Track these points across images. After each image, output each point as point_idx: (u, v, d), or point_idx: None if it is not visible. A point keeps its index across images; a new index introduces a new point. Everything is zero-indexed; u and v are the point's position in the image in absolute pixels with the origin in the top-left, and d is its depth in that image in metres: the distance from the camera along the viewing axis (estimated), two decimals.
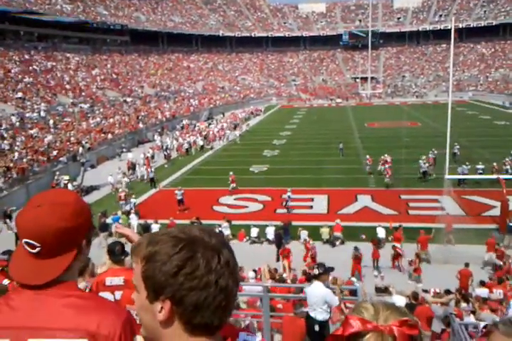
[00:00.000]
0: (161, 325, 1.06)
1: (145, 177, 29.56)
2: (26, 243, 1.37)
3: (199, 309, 1.04)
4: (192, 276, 1.03)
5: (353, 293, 9.10)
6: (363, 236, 17.99)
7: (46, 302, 1.37)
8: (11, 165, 27.08)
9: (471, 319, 9.83)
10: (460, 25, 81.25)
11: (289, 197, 22.84)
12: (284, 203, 22.76)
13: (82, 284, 4.84)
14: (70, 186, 26.85)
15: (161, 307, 1.05)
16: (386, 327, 0.90)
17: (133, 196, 24.15)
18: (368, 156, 29.30)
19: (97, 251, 14.25)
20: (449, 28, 26.38)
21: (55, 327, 1.33)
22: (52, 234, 1.37)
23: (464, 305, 11.15)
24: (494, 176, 21.45)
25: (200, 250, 1.06)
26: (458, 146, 29.94)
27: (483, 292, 12.05)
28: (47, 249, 1.39)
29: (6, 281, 3.82)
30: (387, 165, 26.82)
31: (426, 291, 12.05)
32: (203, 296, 1.04)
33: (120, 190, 25.59)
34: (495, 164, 26.13)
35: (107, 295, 4.41)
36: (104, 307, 1.39)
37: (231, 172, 26.63)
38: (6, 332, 1.32)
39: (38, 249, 1.38)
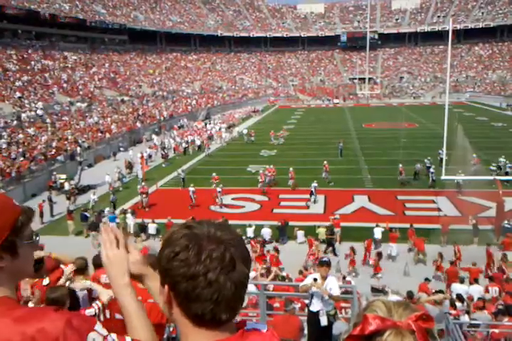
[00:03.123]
0: (166, 307, 1.15)
1: (140, 176, 29.51)
2: None
3: (190, 299, 1.09)
4: (182, 264, 1.08)
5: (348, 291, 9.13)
6: None
7: None
8: (8, 163, 27.07)
9: (465, 318, 9.89)
10: (458, 27, 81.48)
11: (315, 188, 23.61)
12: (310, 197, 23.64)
13: (82, 283, 4.85)
14: (66, 185, 26.86)
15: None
16: (404, 323, 0.92)
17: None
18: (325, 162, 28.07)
19: (93, 250, 14.29)
20: (447, 29, 26.43)
21: None
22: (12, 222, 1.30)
23: (458, 304, 11.20)
24: (491, 177, 21.51)
25: (196, 241, 1.10)
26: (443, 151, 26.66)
27: (461, 288, 12.22)
28: None
29: None
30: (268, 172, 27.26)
31: (441, 291, 12.04)
32: (191, 286, 1.07)
33: (141, 184, 25.52)
34: (400, 165, 26.54)
35: None
36: (42, 317, 1.25)
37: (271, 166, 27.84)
38: None
39: None
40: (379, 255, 16.74)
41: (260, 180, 26.15)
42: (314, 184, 23.89)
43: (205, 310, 1.08)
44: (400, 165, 26.46)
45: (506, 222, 18.84)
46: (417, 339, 0.91)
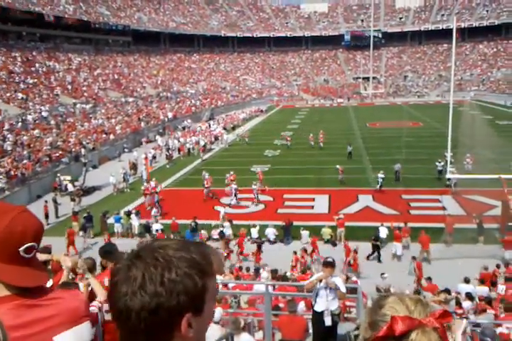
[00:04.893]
0: None
1: (144, 177, 29.54)
2: (29, 247, 1.33)
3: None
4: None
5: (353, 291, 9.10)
6: None
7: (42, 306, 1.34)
8: (14, 165, 27.18)
9: (473, 318, 9.82)
10: (462, 25, 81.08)
11: (382, 179, 24.48)
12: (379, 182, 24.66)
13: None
14: (70, 186, 26.95)
15: None
16: (429, 321, 0.92)
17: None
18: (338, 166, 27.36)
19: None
20: (451, 27, 26.32)
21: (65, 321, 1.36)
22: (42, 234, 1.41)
23: (467, 303, 11.11)
24: (495, 176, 21.34)
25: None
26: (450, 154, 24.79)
27: (467, 288, 12.11)
28: (35, 251, 1.38)
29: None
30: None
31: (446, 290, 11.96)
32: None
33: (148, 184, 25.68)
34: (337, 166, 27.01)
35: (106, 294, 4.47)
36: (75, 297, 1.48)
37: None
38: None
39: (34, 252, 1.36)
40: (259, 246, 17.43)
41: (206, 186, 25.09)
42: (381, 175, 24.59)
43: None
44: (337, 166, 26.88)
45: None
46: (440, 335, 0.92)
